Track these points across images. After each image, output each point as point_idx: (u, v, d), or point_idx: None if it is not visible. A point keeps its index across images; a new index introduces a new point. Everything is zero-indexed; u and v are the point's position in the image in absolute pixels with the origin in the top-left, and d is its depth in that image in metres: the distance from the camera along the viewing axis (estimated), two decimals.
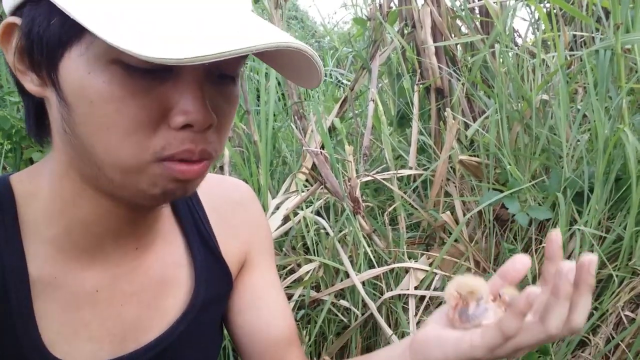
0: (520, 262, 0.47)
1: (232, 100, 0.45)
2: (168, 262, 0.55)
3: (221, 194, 0.63)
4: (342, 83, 2.37)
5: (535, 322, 0.42)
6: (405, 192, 1.34)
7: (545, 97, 1.35)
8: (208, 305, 0.58)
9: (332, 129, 1.64)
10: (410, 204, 1.31)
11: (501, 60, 1.47)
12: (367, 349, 1.17)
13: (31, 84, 0.42)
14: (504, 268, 0.47)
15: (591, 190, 1.08)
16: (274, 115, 1.85)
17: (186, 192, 0.44)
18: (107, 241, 0.49)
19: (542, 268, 0.46)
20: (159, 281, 0.54)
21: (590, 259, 0.40)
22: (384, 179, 1.31)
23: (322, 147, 1.35)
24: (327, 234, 1.22)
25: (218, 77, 0.42)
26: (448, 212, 1.22)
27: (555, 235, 0.44)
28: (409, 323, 1.04)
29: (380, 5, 1.62)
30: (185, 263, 0.57)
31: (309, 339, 1.12)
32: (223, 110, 0.43)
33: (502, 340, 0.42)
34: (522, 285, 0.45)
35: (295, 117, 1.65)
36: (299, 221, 1.24)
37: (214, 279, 0.58)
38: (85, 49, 0.38)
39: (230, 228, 0.61)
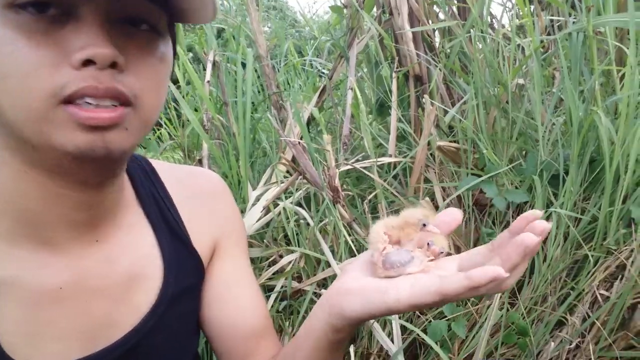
0: (450, 215, 0.43)
1: (153, 52, 0.44)
2: (136, 255, 0.54)
3: (192, 185, 0.62)
4: (323, 73, 2.35)
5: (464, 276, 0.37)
6: (385, 180, 1.35)
7: (521, 81, 1.36)
8: (180, 297, 0.57)
9: (312, 119, 1.63)
10: (390, 191, 1.31)
11: (478, 45, 1.47)
12: (351, 339, 1.17)
13: None
14: (435, 220, 0.44)
15: (566, 172, 1.10)
16: (254, 106, 1.83)
17: (108, 150, 0.40)
18: (62, 232, 0.48)
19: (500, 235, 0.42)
20: (128, 275, 0.53)
21: (544, 227, 0.38)
22: (364, 168, 1.31)
23: (302, 138, 1.34)
24: (308, 224, 1.22)
25: (129, 23, 0.42)
26: (428, 199, 1.22)
27: (532, 215, 0.40)
28: None
29: None
30: (155, 255, 0.56)
31: (292, 330, 1.12)
32: (139, 58, 0.42)
33: (438, 299, 0.38)
34: None
35: (274, 108, 1.64)
36: (280, 212, 1.24)
37: (185, 269, 0.58)
38: None
39: (202, 218, 0.61)
